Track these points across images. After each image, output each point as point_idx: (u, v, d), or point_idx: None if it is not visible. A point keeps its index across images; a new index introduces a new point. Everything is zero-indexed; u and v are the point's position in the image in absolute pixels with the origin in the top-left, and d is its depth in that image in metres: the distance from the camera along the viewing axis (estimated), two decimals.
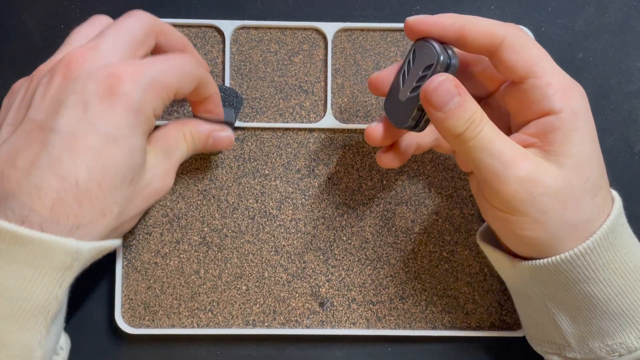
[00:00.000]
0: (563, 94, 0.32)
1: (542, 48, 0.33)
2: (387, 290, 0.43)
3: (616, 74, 0.45)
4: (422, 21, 0.33)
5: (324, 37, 0.44)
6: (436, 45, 0.33)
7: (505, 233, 0.34)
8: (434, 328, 0.43)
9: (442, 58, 0.32)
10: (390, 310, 0.43)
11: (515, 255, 0.35)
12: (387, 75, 0.36)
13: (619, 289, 0.33)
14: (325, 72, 0.44)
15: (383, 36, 0.44)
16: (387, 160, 0.38)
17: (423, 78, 0.33)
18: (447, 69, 0.33)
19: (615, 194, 0.35)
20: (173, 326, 0.43)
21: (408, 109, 0.34)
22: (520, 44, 0.32)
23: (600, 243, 0.32)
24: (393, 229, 0.43)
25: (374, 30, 0.44)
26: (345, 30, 0.44)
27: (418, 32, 0.34)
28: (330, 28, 0.44)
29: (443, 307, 0.43)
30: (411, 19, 0.34)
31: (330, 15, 0.44)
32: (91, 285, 0.43)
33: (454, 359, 0.43)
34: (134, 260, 0.43)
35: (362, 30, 0.44)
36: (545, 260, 0.33)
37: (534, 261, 0.33)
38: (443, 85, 0.31)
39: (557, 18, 0.45)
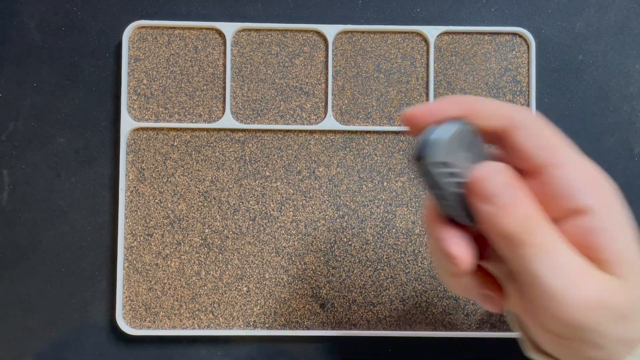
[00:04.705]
0: (594, 189, 0.26)
1: (561, 134, 0.27)
2: (387, 291, 0.43)
3: (616, 76, 0.45)
4: (421, 113, 0.27)
5: (325, 39, 0.44)
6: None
7: (552, 349, 0.29)
8: (435, 329, 0.43)
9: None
10: (390, 311, 0.43)
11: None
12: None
13: None
14: (326, 74, 0.44)
15: (383, 38, 0.44)
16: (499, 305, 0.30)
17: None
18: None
19: None
20: (174, 327, 0.43)
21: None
22: (536, 127, 0.27)
23: None
24: (393, 230, 0.43)
25: (375, 32, 0.44)
26: (345, 32, 0.44)
27: (419, 124, 0.27)
28: (330, 30, 0.44)
29: (443, 308, 0.43)
30: (409, 113, 0.27)
31: (330, 17, 0.45)
32: (92, 287, 0.43)
33: None
34: (135, 262, 0.43)
35: (362, 32, 0.44)
36: None
37: None
38: (499, 176, 0.26)
39: (557, 20, 0.45)
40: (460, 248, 0.27)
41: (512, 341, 0.43)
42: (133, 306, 0.43)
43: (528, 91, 0.44)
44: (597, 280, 0.26)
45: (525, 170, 0.27)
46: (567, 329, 0.26)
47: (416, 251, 0.43)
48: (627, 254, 0.26)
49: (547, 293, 0.25)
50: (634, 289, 0.26)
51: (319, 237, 0.43)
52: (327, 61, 0.44)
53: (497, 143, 0.28)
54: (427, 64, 0.44)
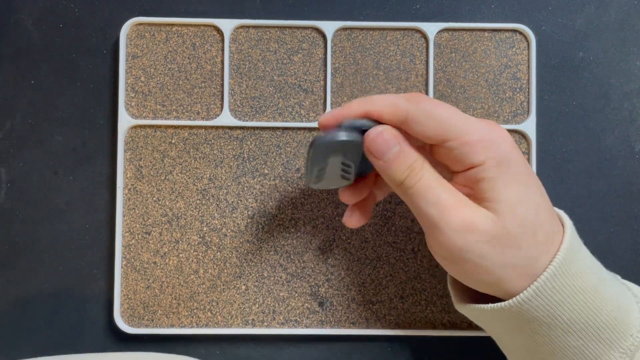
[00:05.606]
0: (481, 147, 0.33)
1: (448, 105, 0.34)
2: (386, 289, 0.43)
3: (616, 73, 0.44)
4: (332, 117, 0.35)
5: (324, 36, 0.44)
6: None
7: (457, 276, 0.35)
8: (434, 328, 0.43)
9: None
10: (389, 310, 0.43)
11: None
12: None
13: (581, 331, 0.33)
14: (325, 71, 0.44)
15: (383, 35, 0.44)
16: (355, 221, 0.38)
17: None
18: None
19: (566, 220, 0.35)
20: (172, 326, 0.43)
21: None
22: (424, 114, 0.33)
23: (546, 285, 0.32)
24: (393, 228, 0.43)
25: (374, 29, 0.44)
26: (344, 29, 0.44)
27: (332, 126, 0.35)
28: (329, 27, 0.44)
29: (443, 306, 0.43)
30: (322, 120, 0.35)
31: (329, 14, 0.44)
32: (90, 285, 0.43)
33: (454, 358, 0.43)
34: (133, 260, 0.43)
35: (361, 29, 0.44)
36: (490, 305, 0.33)
37: (490, 304, 0.34)
38: (382, 136, 0.33)
39: (558, 17, 0.45)
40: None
41: None
42: (131, 305, 0.43)
43: (528, 88, 0.44)
44: (467, 209, 0.32)
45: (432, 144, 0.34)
46: (449, 250, 0.32)
47: (415, 249, 0.43)
48: (506, 196, 0.32)
49: (430, 222, 0.33)
50: (509, 222, 0.32)
51: (317, 235, 0.43)
52: (326, 58, 0.44)
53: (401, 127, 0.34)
54: (427, 61, 0.44)
